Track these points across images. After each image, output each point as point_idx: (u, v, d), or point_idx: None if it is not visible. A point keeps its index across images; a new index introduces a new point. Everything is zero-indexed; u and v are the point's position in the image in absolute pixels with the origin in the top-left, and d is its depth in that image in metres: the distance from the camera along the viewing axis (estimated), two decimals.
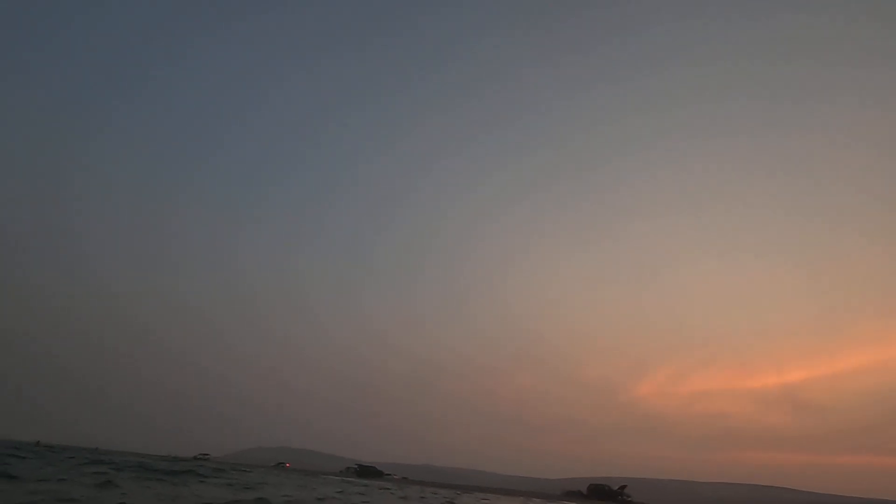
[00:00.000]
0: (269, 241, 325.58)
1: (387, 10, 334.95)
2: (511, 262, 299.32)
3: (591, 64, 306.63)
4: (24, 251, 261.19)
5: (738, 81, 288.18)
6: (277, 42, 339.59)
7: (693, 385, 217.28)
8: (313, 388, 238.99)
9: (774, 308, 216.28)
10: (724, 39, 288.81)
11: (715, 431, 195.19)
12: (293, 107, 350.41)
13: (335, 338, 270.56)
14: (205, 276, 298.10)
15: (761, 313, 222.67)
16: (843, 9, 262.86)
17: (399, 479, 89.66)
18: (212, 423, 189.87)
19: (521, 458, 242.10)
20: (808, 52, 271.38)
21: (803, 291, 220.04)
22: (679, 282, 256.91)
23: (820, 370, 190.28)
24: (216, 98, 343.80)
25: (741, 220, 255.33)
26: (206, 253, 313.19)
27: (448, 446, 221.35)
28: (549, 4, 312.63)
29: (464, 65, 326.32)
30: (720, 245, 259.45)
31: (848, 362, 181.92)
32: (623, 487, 69.37)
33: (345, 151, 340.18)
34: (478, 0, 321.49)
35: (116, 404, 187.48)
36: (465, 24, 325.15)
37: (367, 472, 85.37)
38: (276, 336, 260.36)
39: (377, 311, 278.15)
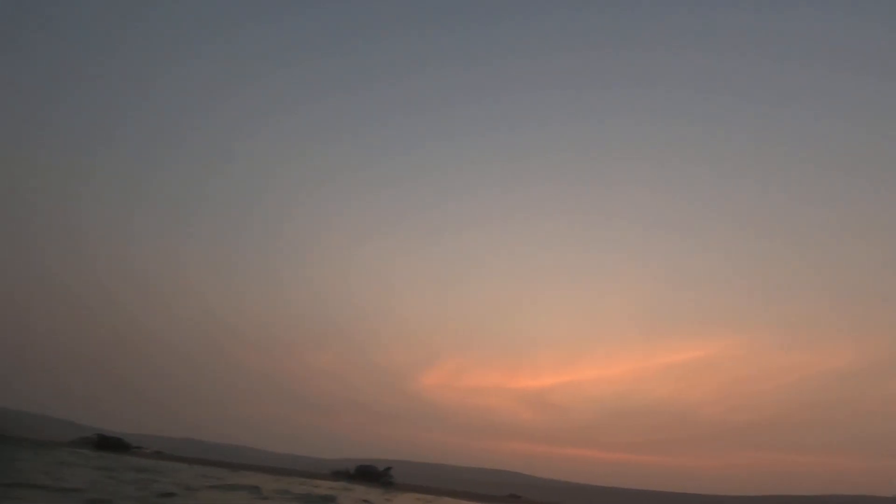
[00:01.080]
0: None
1: None
2: (326, 242, 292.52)
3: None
4: None
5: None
6: None
7: (471, 381, 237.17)
8: (49, 339, 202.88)
9: (538, 324, 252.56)
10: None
11: (481, 423, 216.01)
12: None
13: (90, 278, 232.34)
14: None
15: (529, 327, 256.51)
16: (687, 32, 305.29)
17: (150, 454, 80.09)
18: None
19: (302, 436, 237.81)
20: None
21: (561, 312, 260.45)
22: (476, 287, 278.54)
23: (565, 378, 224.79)
24: None
25: (528, 244, 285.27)
26: None
27: (222, 420, 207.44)
28: None
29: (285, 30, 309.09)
30: (506, 263, 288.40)
31: (586, 374, 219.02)
32: (388, 469, 70.82)
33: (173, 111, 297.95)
34: None
35: None
36: None
37: (108, 443, 74.42)
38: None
39: (148, 253, 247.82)
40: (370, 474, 66.19)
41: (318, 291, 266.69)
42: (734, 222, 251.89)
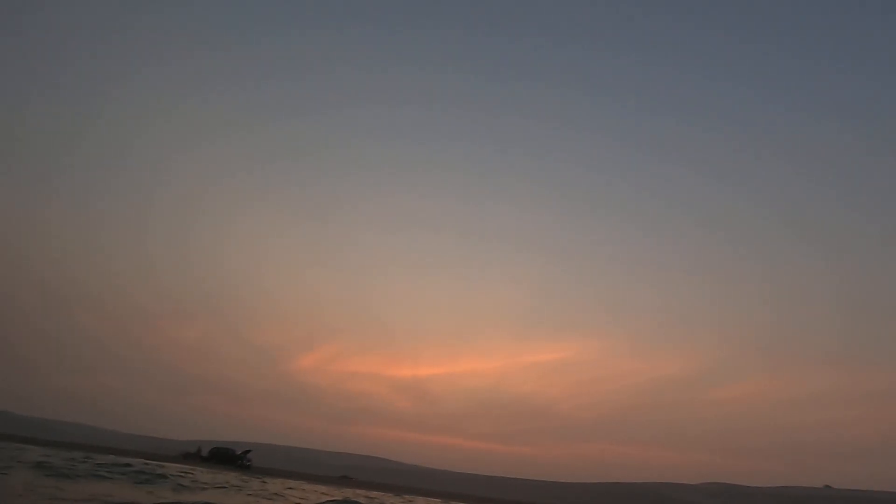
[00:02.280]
0: None
1: None
2: (205, 208, 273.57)
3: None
4: None
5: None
6: None
7: (348, 366, 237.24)
8: None
9: (422, 315, 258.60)
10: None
11: (354, 409, 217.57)
12: None
13: None
14: None
15: (413, 317, 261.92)
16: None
17: None
18: None
19: (156, 415, 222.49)
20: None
21: (444, 306, 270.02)
22: (361, 272, 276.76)
23: (442, 369, 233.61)
24: None
25: (418, 235, 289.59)
26: None
27: (49, 392, 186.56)
28: None
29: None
30: (394, 250, 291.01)
31: (461, 366, 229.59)
32: (247, 452, 70.40)
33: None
34: None
35: None
36: None
37: None
38: None
39: None
40: (226, 457, 65.82)
41: (191, 261, 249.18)
42: (596, 246, 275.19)
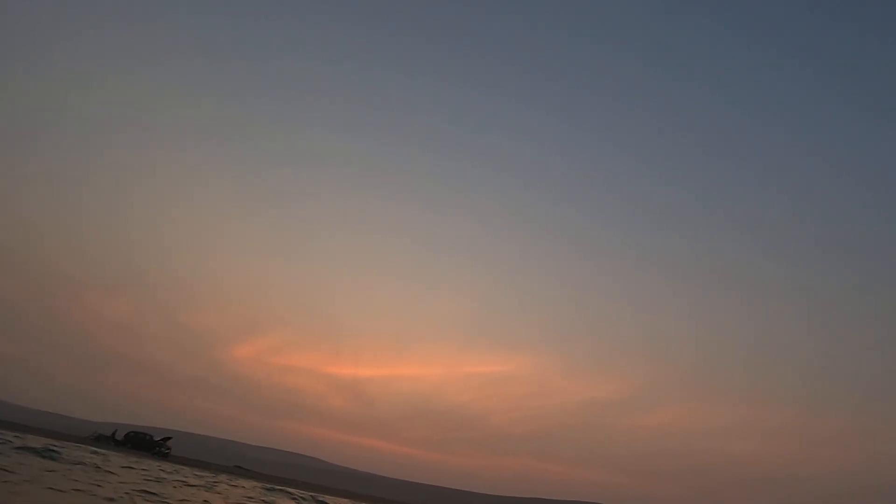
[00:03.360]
0: None
1: None
2: (146, 184, 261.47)
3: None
4: None
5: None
6: None
7: (286, 359, 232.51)
8: None
9: (366, 313, 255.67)
10: None
11: (287, 403, 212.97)
12: None
13: None
14: None
15: (357, 315, 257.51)
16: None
17: None
18: None
19: (70, 393, 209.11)
20: None
21: (389, 306, 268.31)
22: (307, 264, 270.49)
23: (382, 371, 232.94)
24: None
25: (368, 231, 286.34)
26: None
27: None
28: None
29: None
30: (342, 245, 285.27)
31: (402, 370, 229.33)
32: (167, 439, 68.69)
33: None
34: None
35: None
36: None
37: None
38: None
39: None
40: (142, 443, 63.94)
41: (127, 232, 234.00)
42: (543, 268, 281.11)
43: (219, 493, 26.33)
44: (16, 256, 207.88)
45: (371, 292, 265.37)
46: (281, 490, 39.66)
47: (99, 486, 19.09)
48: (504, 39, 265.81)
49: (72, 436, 70.87)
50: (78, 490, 17.20)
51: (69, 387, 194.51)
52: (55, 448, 28.64)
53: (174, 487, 23.95)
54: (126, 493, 18.55)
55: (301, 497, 36.55)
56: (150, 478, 25.50)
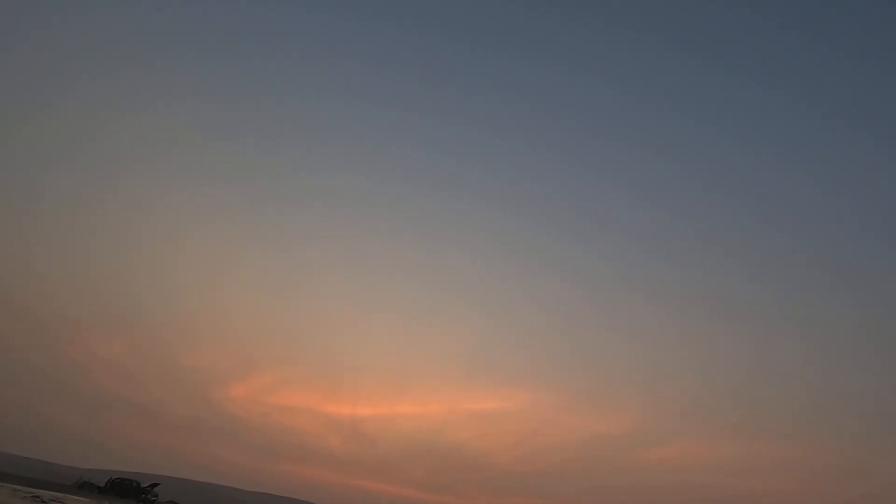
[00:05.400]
0: None
1: None
2: (158, 221, 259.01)
3: None
4: None
5: None
6: None
7: (283, 398, 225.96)
8: None
9: (365, 352, 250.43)
10: None
11: (284, 445, 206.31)
12: None
13: None
14: None
15: (355, 353, 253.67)
16: None
17: None
18: None
19: (56, 438, 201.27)
20: None
21: (389, 345, 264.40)
22: (306, 303, 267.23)
23: (381, 410, 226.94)
24: None
25: (367, 270, 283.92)
26: None
27: None
28: None
29: None
30: (342, 284, 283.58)
31: (402, 409, 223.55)
32: (154, 486, 64.37)
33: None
34: None
35: None
36: None
37: None
38: None
39: None
40: (127, 490, 59.67)
41: (125, 271, 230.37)
42: (545, 302, 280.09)
43: None
44: (9, 293, 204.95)
45: (369, 329, 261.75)
46: None
47: None
48: (498, 76, 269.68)
49: (51, 483, 66.41)
50: None
51: (54, 430, 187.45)
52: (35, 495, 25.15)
53: None
54: None
55: None
56: None
